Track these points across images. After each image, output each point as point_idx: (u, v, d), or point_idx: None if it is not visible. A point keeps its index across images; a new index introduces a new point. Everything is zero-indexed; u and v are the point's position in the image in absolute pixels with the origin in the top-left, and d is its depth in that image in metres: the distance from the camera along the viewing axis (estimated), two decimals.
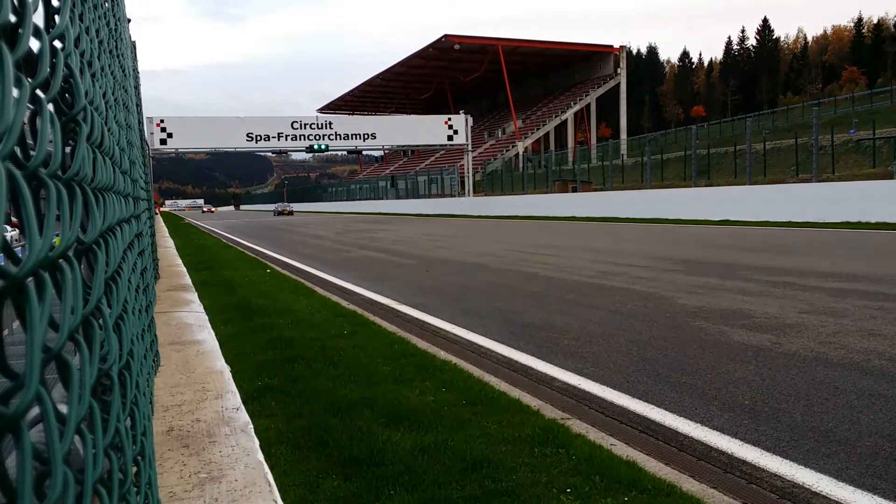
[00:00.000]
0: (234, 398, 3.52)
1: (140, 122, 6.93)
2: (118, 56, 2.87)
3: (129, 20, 5.89)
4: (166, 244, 18.02)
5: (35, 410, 0.63)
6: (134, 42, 7.09)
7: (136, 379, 1.59)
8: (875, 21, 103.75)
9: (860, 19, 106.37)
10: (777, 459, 3.52)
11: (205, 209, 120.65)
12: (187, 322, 5.80)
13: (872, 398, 4.36)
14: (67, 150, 1.06)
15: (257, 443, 2.88)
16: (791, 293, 8.37)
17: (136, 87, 6.94)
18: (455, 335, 6.97)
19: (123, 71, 3.36)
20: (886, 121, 37.02)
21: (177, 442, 2.89)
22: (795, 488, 3.20)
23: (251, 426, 3.09)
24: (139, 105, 7.19)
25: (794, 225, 21.57)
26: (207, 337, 5.14)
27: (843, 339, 5.90)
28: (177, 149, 50.39)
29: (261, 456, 2.74)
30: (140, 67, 8.27)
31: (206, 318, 6.10)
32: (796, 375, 4.95)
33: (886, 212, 19.79)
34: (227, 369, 4.15)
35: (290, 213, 70.69)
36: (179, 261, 12.67)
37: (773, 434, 3.87)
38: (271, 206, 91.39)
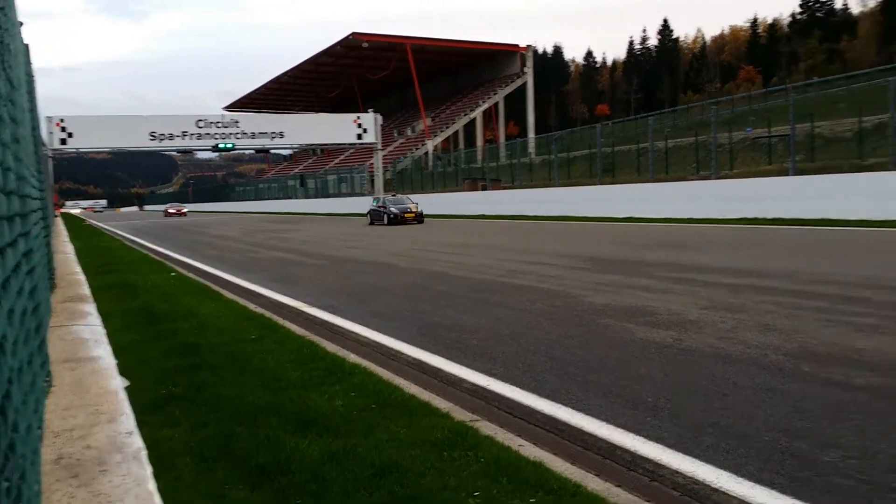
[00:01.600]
0: (128, 421, 3.39)
1: (35, 127, 6.64)
2: (5, 69, 2.71)
3: (22, 24, 5.60)
4: (66, 250, 17.30)
5: None
6: (27, 45, 6.75)
7: (15, 417, 1.50)
8: (770, 21, 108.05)
9: (756, 19, 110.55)
10: (679, 456, 3.60)
11: (172, 209, 71.21)
12: (83, 337, 5.57)
13: (769, 393, 4.52)
14: None
15: (150, 470, 2.78)
16: (692, 289, 8.63)
17: (31, 92, 6.64)
18: (365, 337, 6.92)
19: (11, 83, 3.18)
20: (781, 119, 38.42)
21: (66, 472, 2.77)
22: (696, 485, 3.29)
23: (144, 452, 2.97)
24: (33, 110, 6.88)
25: (694, 221, 22.30)
26: (104, 353, 4.94)
27: (741, 335, 6.12)
28: (78, 149, 48.41)
29: (152, 485, 2.64)
30: (34, 65, 7.90)
31: (104, 331, 5.87)
32: (697, 371, 5.11)
33: (781, 208, 20.63)
34: (122, 389, 4.00)
35: (417, 216, 32.48)
36: (79, 268, 12.18)
37: (675, 430, 3.97)
38: (252, 208, 72.06)
